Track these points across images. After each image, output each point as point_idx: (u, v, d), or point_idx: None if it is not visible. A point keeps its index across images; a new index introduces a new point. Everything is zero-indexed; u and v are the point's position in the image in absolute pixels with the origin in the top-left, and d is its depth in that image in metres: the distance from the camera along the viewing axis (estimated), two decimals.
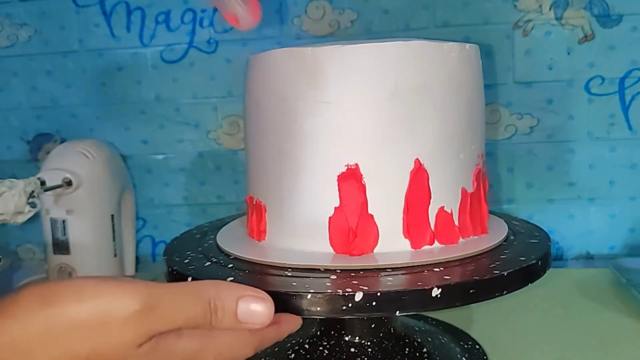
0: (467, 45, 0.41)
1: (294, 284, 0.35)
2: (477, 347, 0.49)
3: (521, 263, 0.37)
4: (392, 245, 0.39)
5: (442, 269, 0.37)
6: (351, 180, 0.39)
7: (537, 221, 0.49)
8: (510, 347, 0.50)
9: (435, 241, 0.40)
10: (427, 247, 0.40)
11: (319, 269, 0.37)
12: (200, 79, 0.74)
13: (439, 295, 0.33)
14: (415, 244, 0.40)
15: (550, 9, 0.68)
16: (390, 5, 0.70)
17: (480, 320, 0.54)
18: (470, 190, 0.42)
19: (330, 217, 0.39)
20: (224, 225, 0.50)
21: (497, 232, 0.44)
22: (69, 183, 0.59)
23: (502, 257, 0.39)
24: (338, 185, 0.39)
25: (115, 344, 0.27)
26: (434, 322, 0.52)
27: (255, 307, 0.31)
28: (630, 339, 0.50)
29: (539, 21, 0.68)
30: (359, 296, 0.33)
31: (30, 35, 0.75)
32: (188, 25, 0.73)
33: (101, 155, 0.64)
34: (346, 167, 0.39)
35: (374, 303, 0.33)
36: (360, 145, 0.39)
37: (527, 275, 0.38)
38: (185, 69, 0.74)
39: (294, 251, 0.40)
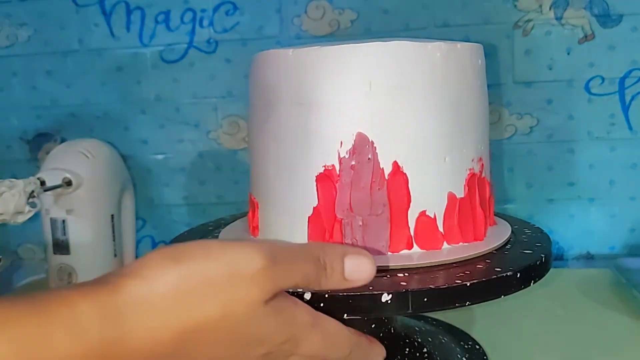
0: (459, 45, 0.40)
1: None
2: (478, 347, 0.49)
3: (494, 274, 0.36)
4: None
5: (406, 274, 0.36)
6: (328, 181, 0.39)
7: (537, 221, 0.49)
8: (511, 347, 0.50)
9: (415, 245, 0.39)
10: (405, 251, 0.39)
11: None
12: (200, 79, 0.74)
13: (389, 302, 0.33)
14: (392, 247, 0.39)
15: (550, 8, 0.68)
16: (390, 5, 0.70)
17: (480, 320, 0.54)
18: (460, 195, 0.40)
19: (309, 217, 0.40)
20: (236, 220, 0.52)
21: (493, 241, 0.42)
22: (68, 183, 0.59)
23: (478, 267, 0.38)
24: (316, 185, 0.39)
25: (244, 301, 0.28)
26: (434, 322, 0.52)
27: (360, 263, 0.32)
28: (630, 339, 0.50)
29: (539, 21, 0.68)
30: (307, 296, 0.33)
31: (30, 35, 0.75)
32: (188, 25, 0.73)
33: (101, 155, 0.64)
34: (323, 168, 0.39)
35: (321, 304, 0.33)
36: (336, 146, 0.39)
37: (497, 288, 0.36)
38: (185, 68, 0.74)
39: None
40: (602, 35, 0.68)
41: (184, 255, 0.27)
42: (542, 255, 0.39)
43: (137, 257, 0.72)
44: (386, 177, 0.38)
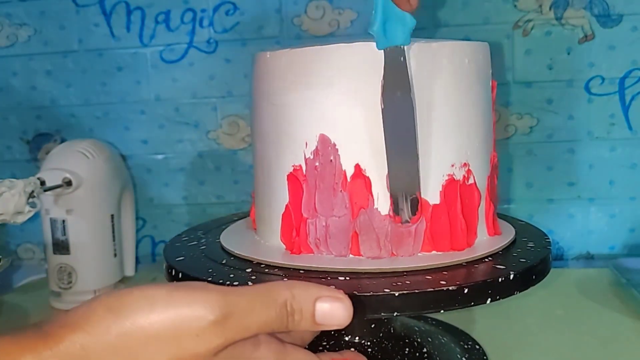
0: (435, 44, 0.39)
1: (231, 275, 0.37)
2: (477, 347, 0.49)
3: (442, 296, 0.34)
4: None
5: (347, 278, 0.36)
6: (296, 180, 0.40)
7: (537, 221, 0.49)
8: (511, 347, 0.50)
9: (384, 250, 0.38)
10: (388, 258, 0.38)
11: (261, 264, 0.39)
12: (200, 79, 0.74)
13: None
14: (353, 250, 0.39)
15: (550, 9, 0.68)
16: None
17: (480, 320, 0.54)
18: (434, 202, 0.39)
19: (282, 214, 0.41)
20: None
21: (475, 251, 0.39)
22: (68, 183, 0.59)
23: (426, 277, 0.36)
24: (287, 184, 0.40)
25: (190, 355, 0.26)
26: (434, 322, 0.52)
27: (334, 308, 0.30)
28: (630, 339, 0.50)
29: (539, 21, 0.69)
30: None
31: (30, 35, 0.75)
32: (188, 25, 0.73)
33: (101, 155, 0.64)
34: (292, 168, 0.40)
35: None
36: (302, 147, 0.39)
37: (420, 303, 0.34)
38: (185, 68, 0.74)
39: (255, 243, 0.44)
40: (602, 35, 0.68)
41: (127, 307, 0.26)
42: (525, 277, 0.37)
43: (137, 257, 0.73)
44: (348, 179, 0.38)
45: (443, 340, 0.48)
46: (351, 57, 0.38)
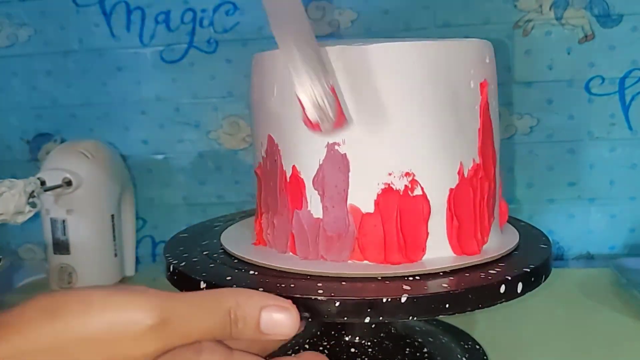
0: (408, 44, 0.37)
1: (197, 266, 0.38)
2: (478, 347, 0.49)
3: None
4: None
5: (256, 273, 0.37)
6: (258, 177, 0.43)
7: (537, 221, 0.49)
8: (511, 347, 0.50)
9: (322, 257, 0.38)
10: (314, 260, 0.38)
11: (242, 260, 0.40)
12: (200, 79, 0.74)
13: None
14: (291, 248, 0.39)
15: (550, 8, 0.68)
16: (390, 5, 0.70)
17: (480, 320, 0.54)
18: (366, 210, 0.37)
19: (255, 207, 0.44)
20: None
21: (415, 267, 0.37)
22: (68, 183, 0.59)
23: (317, 285, 0.35)
24: (256, 179, 0.43)
25: (126, 359, 0.26)
26: (434, 322, 0.52)
27: (279, 317, 0.29)
28: (630, 339, 0.50)
29: (539, 21, 0.69)
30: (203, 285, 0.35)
31: (30, 35, 0.75)
32: (188, 25, 0.73)
33: (101, 155, 0.64)
34: (258, 164, 0.42)
35: None
36: (260, 147, 0.41)
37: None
38: (185, 68, 0.74)
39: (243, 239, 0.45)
40: (602, 35, 0.68)
41: (62, 309, 0.26)
42: None
43: (137, 257, 0.73)
44: (288, 180, 0.39)
45: (443, 341, 0.48)
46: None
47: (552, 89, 0.69)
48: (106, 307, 0.26)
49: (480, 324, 0.53)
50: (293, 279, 0.36)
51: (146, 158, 0.76)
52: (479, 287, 0.34)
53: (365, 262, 0.37)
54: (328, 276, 0.36)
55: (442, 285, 0.34)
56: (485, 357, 0.47)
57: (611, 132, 0.70)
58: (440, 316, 0.37)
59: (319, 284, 0.34)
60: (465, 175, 0.38)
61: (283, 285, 0.34)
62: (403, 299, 0.32)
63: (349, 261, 0.37)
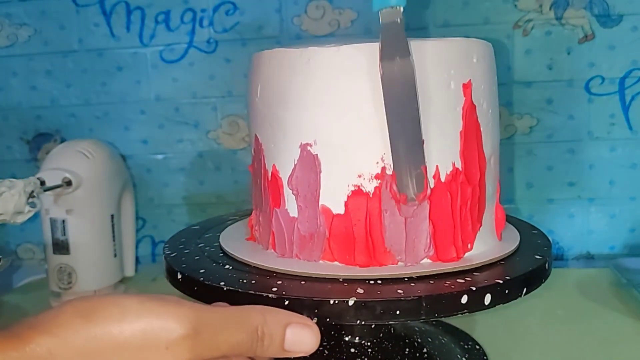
0: (344, 46, 0.36)
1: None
2: (478, 347, 0.49)
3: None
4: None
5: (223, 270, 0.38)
6: (251, 173, 0.44)
7: (537, 221, 0.49)
8: (511, 347, 0.50)
9: (296, 255, 0.38)
10: (288, 259, 0.39)
11: (227, 255, 0.41)
12: (199, 79, 0.74)
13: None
14: (273, 246, 0.40)
15: (550, 8, 0.68)
16: None
17: (480, 320, 0.54)
18: (337, 212, 0.37)
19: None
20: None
21: (378, 271, 0.36)
22: (68, 183, 0.59)
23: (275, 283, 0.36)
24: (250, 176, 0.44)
25: None
26: (434, 323, 0.52)
27: (303, 335, 0.30)
28: (630, 339, 0.50)
29: (539, 21, 0.68)
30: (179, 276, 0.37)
31: (30, 35, 0.75)
32: (188, 25, 0.73)
33: (101, 155, 0.64)
34: (252, 162, 0.44)
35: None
36: (252, 145, 0.42)
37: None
38: (185, 68, 0.74)
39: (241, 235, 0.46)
40: (602, 35, 0.68)
41: (97, 313, 0.26)
42: None
43: (137, 257, 0.73)
44: (269, 178, 0.39)
45: (443, 341, 0.48)
46: (268, 63, 0.39)
47: (552, 89, 0.69)
48: (141, 314, 0.26)
49: (480, 324, 0.53)
50: (258, 276, 0.36)
51: (146, 158, 0.76)
52: (435, 296, 0.33)
53: (336, 263, 0.37)
54: (293, 275, 0.36)
55: (396, 291, 0.33)
56: (485, 357, 0.47)
57: (611, 132, 0.70)
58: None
59: (278, 282, 0.35)
60: (443, 179, 0.37)
61: (244, 281, 0.35)
62: (350, 302, 0.32)
63: (321, 261, 0.38)
